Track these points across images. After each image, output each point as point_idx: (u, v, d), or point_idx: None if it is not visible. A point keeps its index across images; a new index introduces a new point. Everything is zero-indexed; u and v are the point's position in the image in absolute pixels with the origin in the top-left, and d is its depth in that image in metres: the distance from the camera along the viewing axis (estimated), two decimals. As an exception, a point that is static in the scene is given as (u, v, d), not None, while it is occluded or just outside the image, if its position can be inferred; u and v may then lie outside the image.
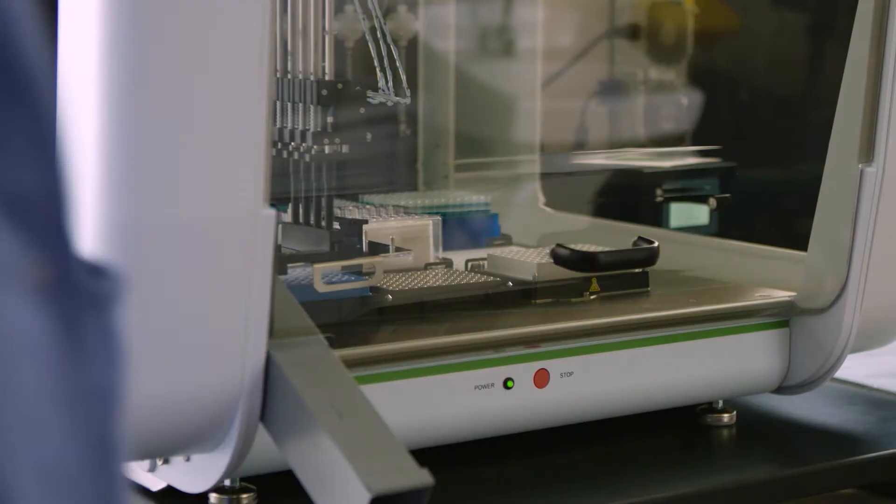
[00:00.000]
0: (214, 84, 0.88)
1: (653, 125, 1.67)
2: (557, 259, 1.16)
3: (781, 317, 1.22)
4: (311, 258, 1.15)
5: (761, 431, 1.23)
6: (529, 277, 1.19)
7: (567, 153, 1.66)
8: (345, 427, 0.88)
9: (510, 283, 1.19)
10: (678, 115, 1.66)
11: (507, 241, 1.39)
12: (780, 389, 1.24)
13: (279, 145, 1.19)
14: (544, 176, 1.55)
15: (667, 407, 1.19)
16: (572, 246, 1.20)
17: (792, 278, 1.23)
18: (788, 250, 1.30)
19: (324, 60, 1.18)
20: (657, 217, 1.51)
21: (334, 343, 0.97)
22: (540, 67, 1.58)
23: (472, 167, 1.54)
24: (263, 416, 0.93)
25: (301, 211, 1.20)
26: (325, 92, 1.16)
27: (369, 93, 1.20)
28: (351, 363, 0.98)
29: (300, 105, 1.18)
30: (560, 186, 1.57)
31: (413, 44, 1.49)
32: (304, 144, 1.17)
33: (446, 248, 1.29)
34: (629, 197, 1.55)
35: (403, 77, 1.21)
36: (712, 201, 1.38)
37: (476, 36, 1.58)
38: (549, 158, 1.57)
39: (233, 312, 0.91)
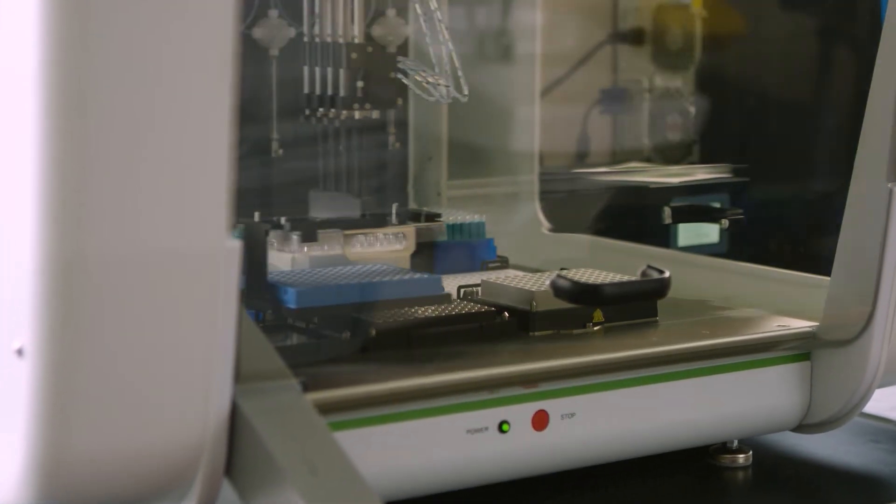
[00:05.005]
0: (172, 103, 0.80)
1: (658, 135, 1.63)
2: (557, 291, 1.07)
3: (802, 349, 1.15)
4: (340, 224, 1.16)
5: (779, 473, 1.16)
6: (527, 307, 1.11)
7: (568, 166, 1.62)
8: (318, 484, 0.82)
9: (506, 314, 1.10)
10: (685, 125, 1.62)
11: (503, 263, 1.32)
12: (801, 428, 1.17)
13: (307, 111, 1.21)
14: (543, 192, 1.48)
15: (677, 448, 1.12)
16: (574, 276, 1.11)
17: (813, 306, 1.15)
18: (809, 275, 1.23)
19: (353, 22, 1.16)
20: (664, 236, 1.45)
21: (308, 387, 0.90)
22: (539, 74, 1.51)
23: (467, 186, 1.48)
24: (228, 471, 0.86)
25: (333, 179, 1.23)
26: (354, 55, 1.12)
27: (431, 86, 1.16)
28: (327, 407, 0.91)
29: (329, 70, 1.19)
30: (560, 204, 1.50)
31: (403, 50, 1.43)
32: (332, 110, 1.19)
33: (437, 272, 1.22)
34: (634, 214, 1.49)
35: (464, 84, 1.20)
36: (724, 222, 1.30)
37: (472, 40, 1.52)
38: (548, 173, 1.51)
39: (195, 356, 0.83)
